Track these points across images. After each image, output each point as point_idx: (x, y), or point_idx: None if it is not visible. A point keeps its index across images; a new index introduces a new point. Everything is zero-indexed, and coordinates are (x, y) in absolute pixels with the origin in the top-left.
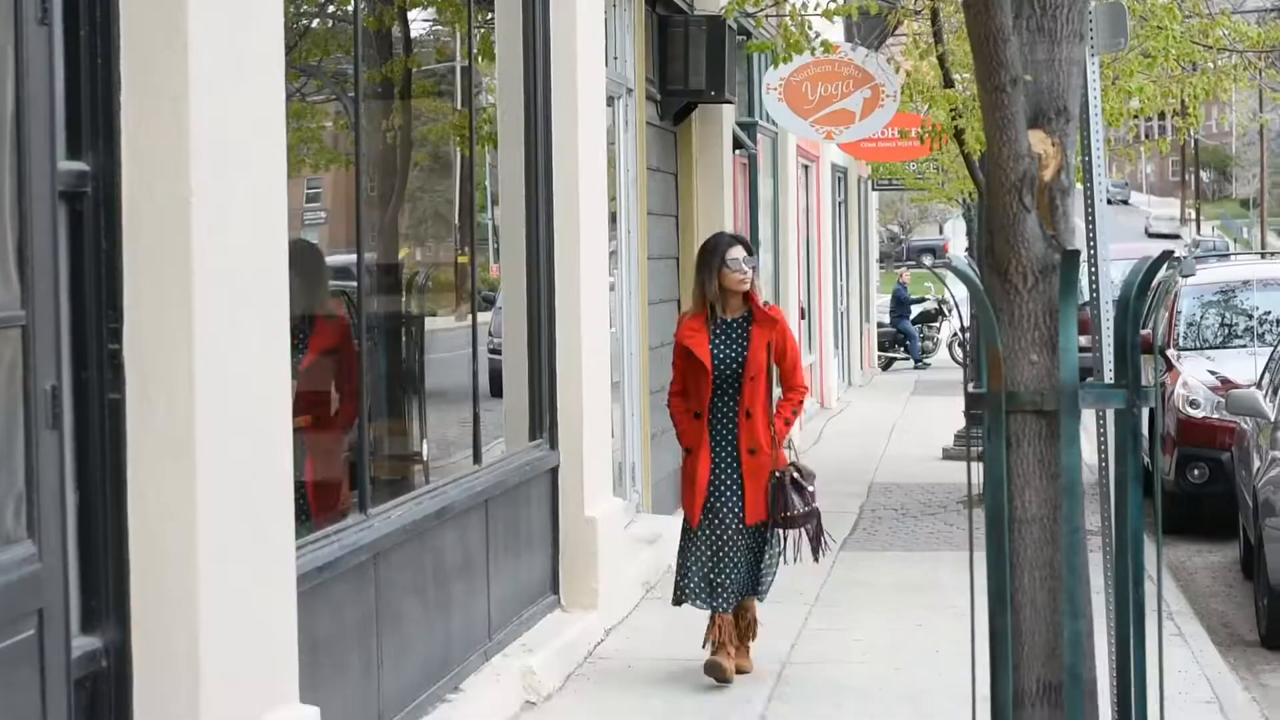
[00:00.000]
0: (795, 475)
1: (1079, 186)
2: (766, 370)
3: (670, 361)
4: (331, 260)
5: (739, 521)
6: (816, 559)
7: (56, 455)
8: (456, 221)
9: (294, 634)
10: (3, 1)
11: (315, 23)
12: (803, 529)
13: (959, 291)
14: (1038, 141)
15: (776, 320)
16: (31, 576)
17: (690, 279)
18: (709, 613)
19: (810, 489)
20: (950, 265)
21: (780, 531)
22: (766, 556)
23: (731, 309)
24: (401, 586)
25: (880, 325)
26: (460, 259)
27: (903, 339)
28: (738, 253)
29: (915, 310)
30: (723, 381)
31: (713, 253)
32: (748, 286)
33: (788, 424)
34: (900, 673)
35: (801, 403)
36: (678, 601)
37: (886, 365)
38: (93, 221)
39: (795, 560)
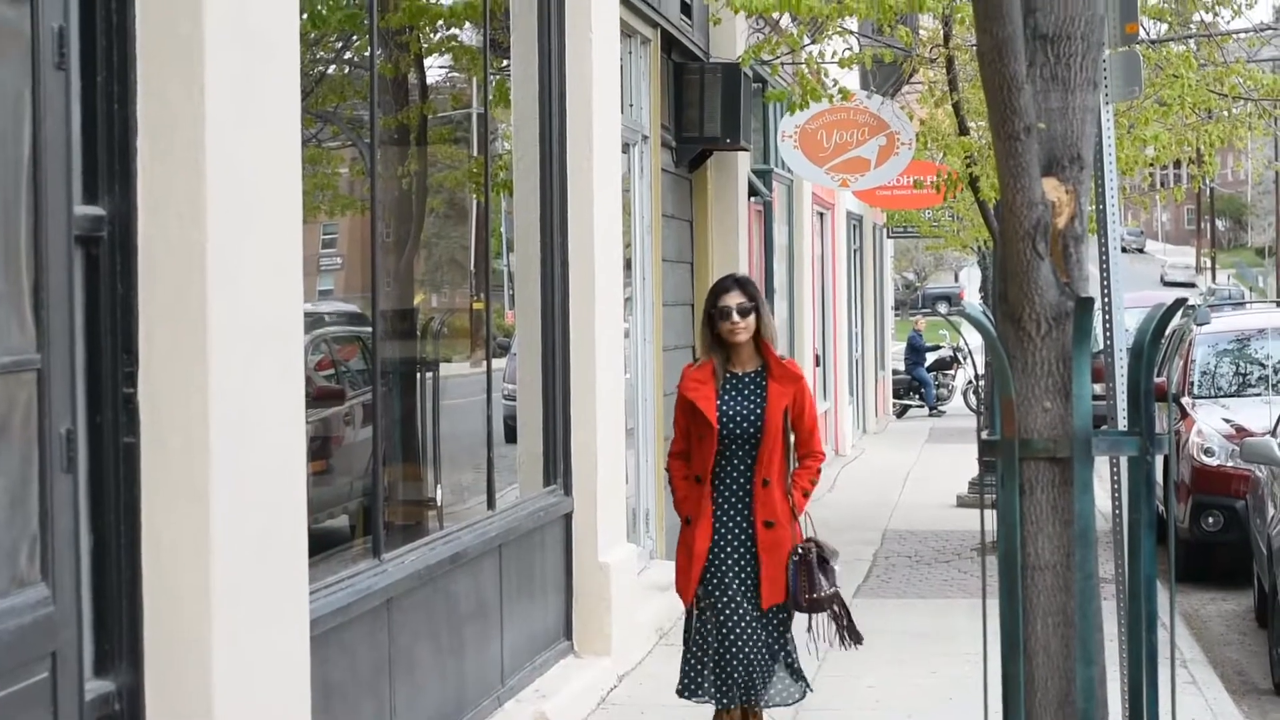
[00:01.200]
0: (818, 552)
1: (1093, 235)
2: (784, 433)
3: None
4: (347, 306)
5: (753, 605)
6: (845, 646)
7: (71, 498)
8: (472, 268)
9: (307, 678)
10: (20, 46)
11: (331, 69)
12: (828, 613)
13: (974, 339)
14: (1051, 189)
15: (798, 378)
16: (45, 619)
17: None
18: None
19: (834, 567)
20: (964, 312)
21: (808, 618)
22: (783, 647)
23: (742, 361)
24: (415, 631)
25: (895, 373)
26: (475, 305)
27: (918, 386)
28: (733, 299)
29: (930, 358)
30: (731, 443)
31: (710, 297)
32: (740, 338)
33: (806, 495)
34: (912, 719)
35: (820, 471)
36: (684, 694)
37: (901, 413)
38: (108, 265)
39: (826, 647)
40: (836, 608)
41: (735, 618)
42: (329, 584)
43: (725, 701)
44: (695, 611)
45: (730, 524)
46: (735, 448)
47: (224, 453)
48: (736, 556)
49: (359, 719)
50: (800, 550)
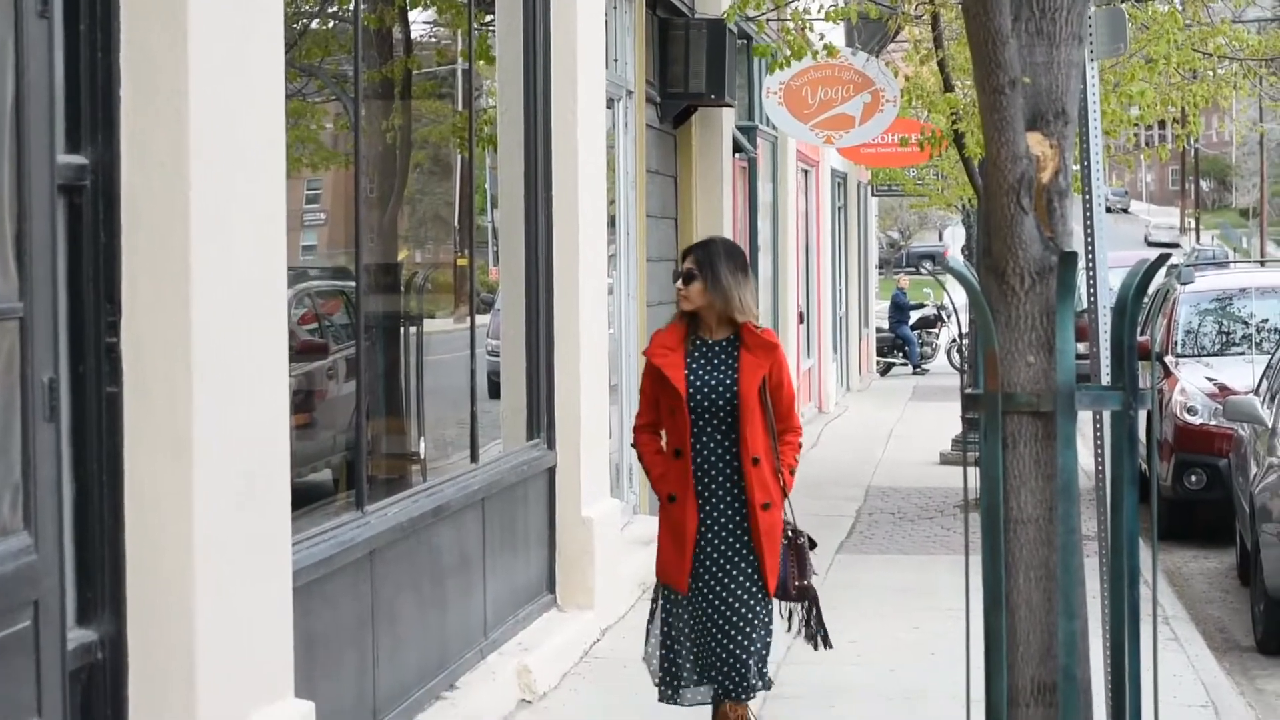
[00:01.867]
0: (808, 537)
1: (1077, 191)
2: (764, 407)
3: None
4: (331, 260)
5: (759, 590)
6: (817, 647)
7: (53, 447)
8: (456, 223)
9: (289, 629)
10: None
11: (315, 22)
12: (802, 606)
13: (959, 298)
14: (1036, 143)
15: (773, 347)
16: (27, 568)
17: None
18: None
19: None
20: (948, 266)
21: (788, 605)
22: (767, 636)
23: (711, 328)
24: (397, 584)
25: (879, 331)
26: (459, 261)
27: (901, 344)
28: (685, 264)
29: (914, 316)
30: (703, 416)
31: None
32: (686, 305)
33: (793, 473)
34: (895, 674)
35: (800, 447)
36: (667, 698)
37: (885, 371)
38: (91, 215)
39: (797, 636)
40: (815, 605)
41: (735, 606)
42: (312, 535)
43: (727, 689)
44: (670, 596)
45: (718, 503)
46: (709, 421)
47: (207, 403)
48: (730, 540)
49: (341, 670)
50: (791, 534)
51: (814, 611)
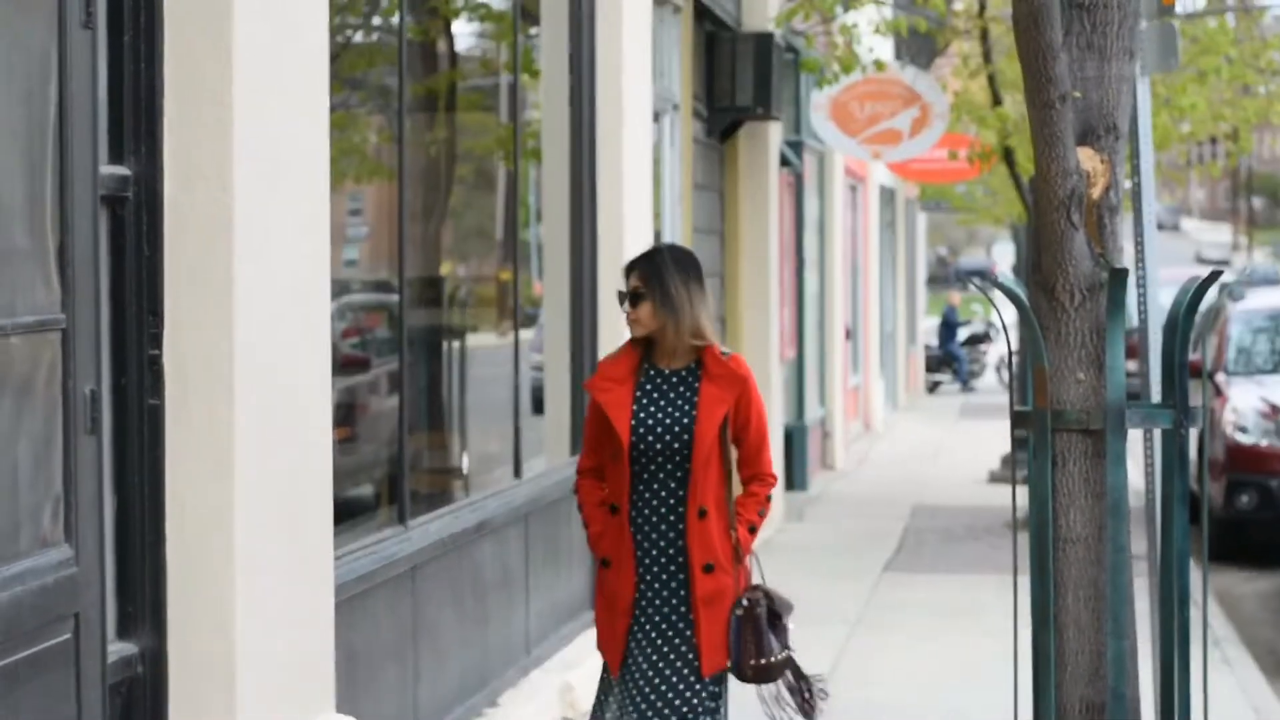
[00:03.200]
0: (769, 604)
1: (1127, 208)
2: (722, 449)
3: None
4: (374, 274)
5: (692, 673)
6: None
7: (95, 460)
8: (500, 237)
9: (331, 643)
10: (48, 5)
11: (360, 35)
12: (779, 682)
13: (1007, 315)
14: (1086, 159)
15: (742, 380)
16: (68, 581)
17: (736, 296)
18: None
19: (787, 625)
20: (996, 282)
21: (759, 690)
22: None
23: (668, 355)
24: (439, 599)
25: (928, 348)
26: (502, 275)
27: (951, 362)
28: (630, 281)
29: (963, 333)
30: (651, 461)
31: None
32: (637, 330)
33: (753, 532)
34: (942, 693)
35: (770, 500)
36: None
37: (933, 388)
38: (134, 226)
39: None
40: (791, 676)
41: (666, 689)
42: (354, 550)
43: None
44: (605, 678)
45: (656, 568)
46: (658, 467)
47: (249, 416)
48: (667, 610)
49: (383, 685)
50: (746, 603)
51: (798, 686)
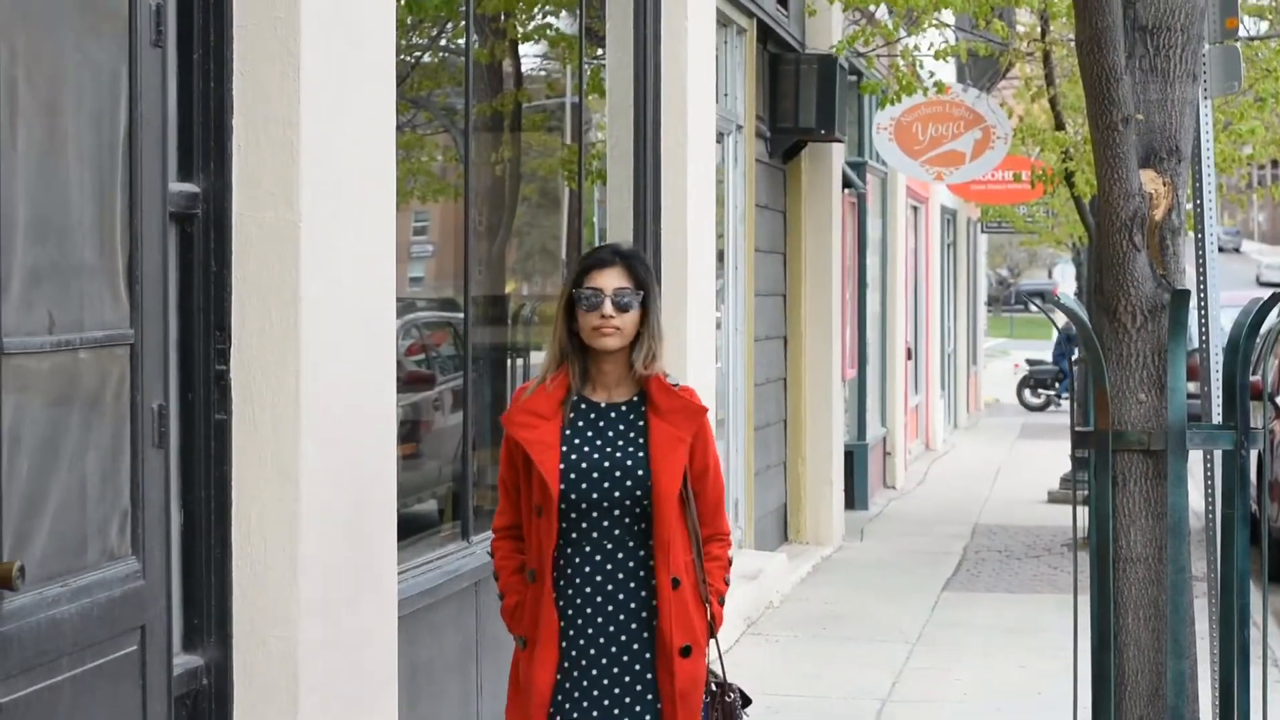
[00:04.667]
0: (740, 692)
1: (1189, 230)
2: (684, 503)
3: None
4: (439, 292)
5: None
6: None
7: (162, 473)
8: (564, 256)
9: (394, 658)
10: (118, 23)
11: (426, 55)
12: None
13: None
14: (1149, 181)
15: (698, 413)
16: (135, 593)
17: (799, 315)
18: None
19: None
20: (1059, 303)
21: None
22: None
23: (608, 384)
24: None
25: (1040, 363)
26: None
27: (1063, 377)
28: (608, 278)
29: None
30: (585, 517)
31: (575, 272)
32: (611, 342)
33: (723, 603)
34: (1001, 713)
35: (730, 562)
36: None
37: (1044, 405)
38: (202, 243)
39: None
40: None
41: None
42: (418, 565)
43: None
44: None
45: (591, 653)
46: (594, 524)
47: (315, 432)
48: (596, 713)
49: (446, 699)
50: (715, 688)
51: None
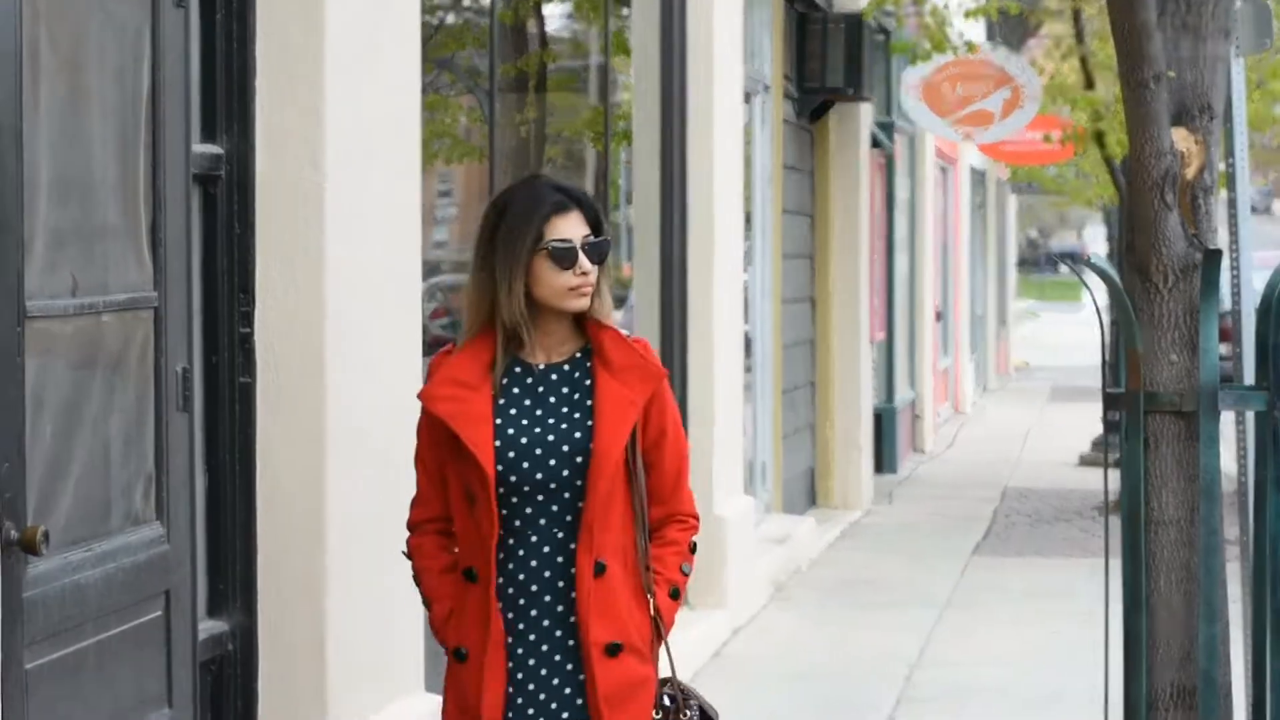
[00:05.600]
0: (701, 710)
1: (1222, 190)
2: (629, 476)
3: (806, 361)
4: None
5: None
6: None
7: (186, 438)
8: None
9: (420, 623)
10: None
11: (450, 16)
12: None
13: (1100, 297)
14: (1180, 139)
15: (657, 373)
16: (160, 558)
17: (826, 277)
18: None
19: None
20: (1089, 263)
21: None
22: None
23: (548, 343)
24: None
25: None
26: None
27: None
28: (575, 225)
29: None
30: (526, 502)
31: (521, 219)
32: (588, 303)
33: (676, 598)
34: (1031, 677)
35: (694, 551)
36: None
37: None
38: (226, 205)
39: None
40: None
41: None
42: None
43: None
44: None
45: (540, 660)
46: (537, 509)
47: (340, 395)
48: (552, 709)
49: None
50: (668, 700)
51: None
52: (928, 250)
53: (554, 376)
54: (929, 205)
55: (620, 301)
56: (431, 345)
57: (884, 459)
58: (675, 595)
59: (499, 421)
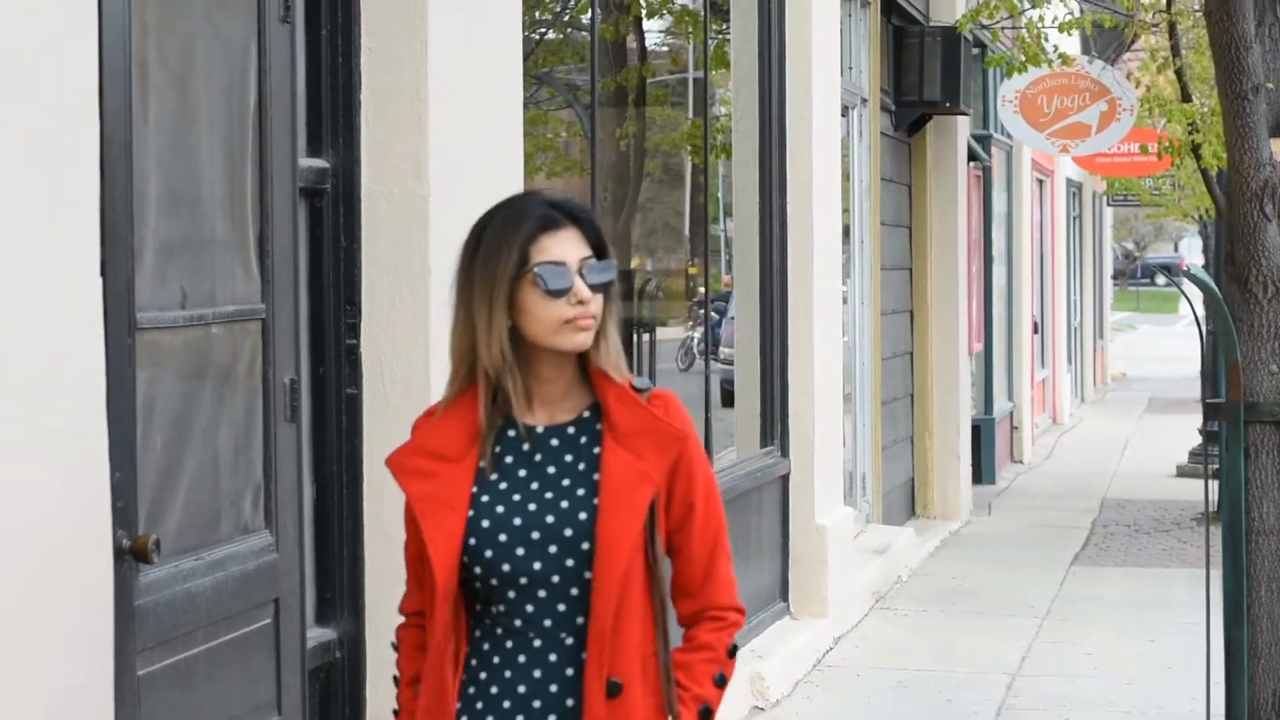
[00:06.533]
0: None
1: None
2: (649, 565)
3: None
4: None
5: None
6: None
7: (294, 448)
8: (687, 231)
9: None
10: (247, 0)
11: (551, 31)
12: None
13: (1200, 309)
14: (1279, 150)
15: (679, 436)
16: (268, 567)
17: (925, 289)
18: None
19: None
20: (1189, 274)
21: None
22: None
23: (548, 397)
24: None
25: None
26: (692, 269)
27: None
28: (570, 245)
29: None
30: (504, 600)
31: (502, 239)
32: (589, 338)
33: (708, 717)
34: (1132, 687)
35: (733, 651)
36: None
37: None
38: (332, 218)
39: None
40: None
41: None
42: None
43: None
44: None
45: None
46: (539, 607)
47: None
48: None
49: None
50: None
51: None
52: (1025, 262)
53: (555, 441)
54: (1026, 217)
55: (720, 314)
56: None
57: (982, 470)
58: (706, 716)
59: (485, 499)
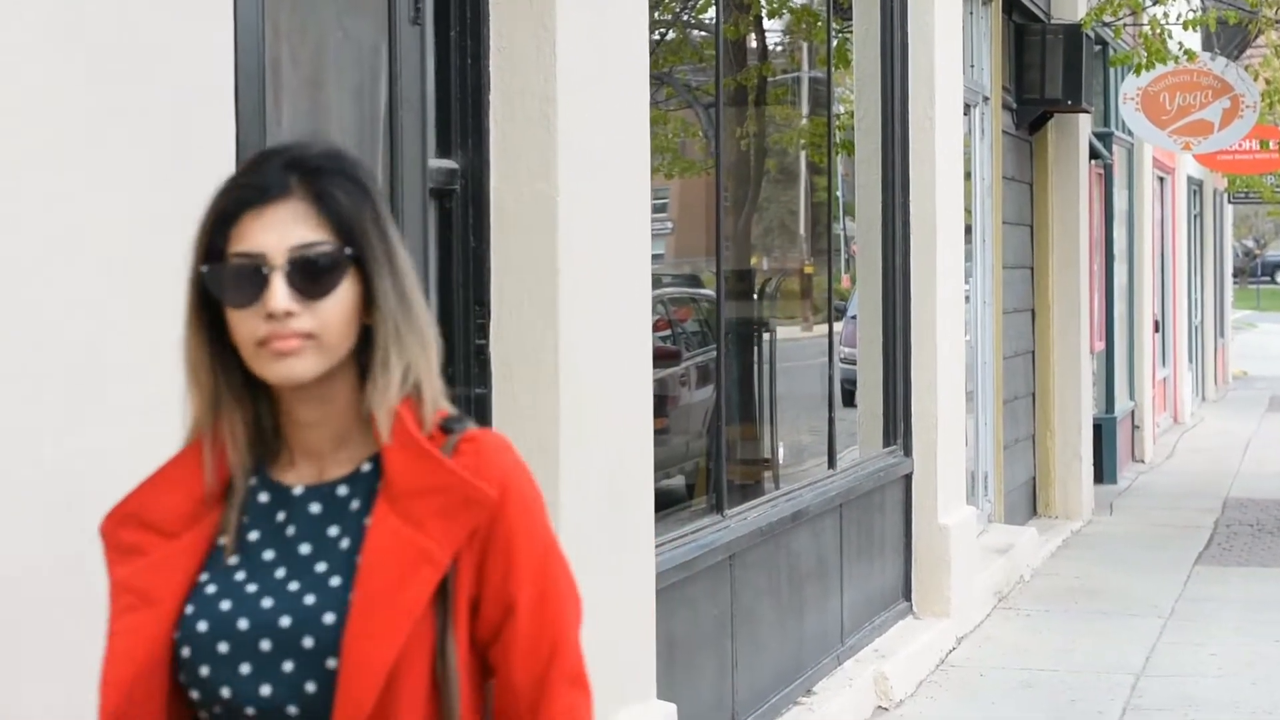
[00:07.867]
0: None
1: None
2: (436, 689)
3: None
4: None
5: None
6: None
7: None
8: (808, 230)
9: (652, 631)
10: (377, 2)
11: (672, 32)
12: None
13: None
14: None
15: (479, 500)
16: None
17: (1046, 288)
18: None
19: None
20: None
21: None
22: None
23: (319, 448)
24: (756, 587)
25: None
26: (808, 269)
27: None
28: (275, 226)
29: None
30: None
31: (199, 229)
32: (303, 366)
33: None
34: (1257, 688)
35: None
36: None
37: None
38: (461, 219)
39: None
40: None
41: None
42: (673, 539)
43: None
44: None
45: None
46: None
47: (573, 406)
48: None
49: (701, 672)
50: None
51: None
52: (1146, 261)
53: (316, 507)
54: (1147, 215)
55: (839, 313)
56: (655, 357)
57: (1104, 469)
58: None
59: (211, 591)
